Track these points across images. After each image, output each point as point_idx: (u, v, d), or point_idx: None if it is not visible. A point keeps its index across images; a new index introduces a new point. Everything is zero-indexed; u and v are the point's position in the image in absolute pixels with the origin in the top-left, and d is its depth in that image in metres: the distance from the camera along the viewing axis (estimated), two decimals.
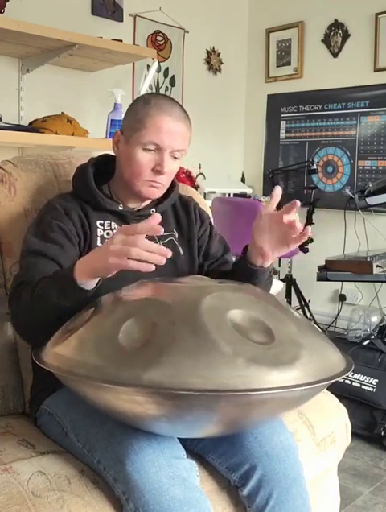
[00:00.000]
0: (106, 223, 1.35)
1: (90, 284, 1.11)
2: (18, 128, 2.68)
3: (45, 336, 1.10)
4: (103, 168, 1.40)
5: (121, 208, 1.36)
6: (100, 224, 1.34)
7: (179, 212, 1.47)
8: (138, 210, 1.39)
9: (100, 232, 1.34)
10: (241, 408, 0.92)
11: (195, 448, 1.20)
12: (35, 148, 2.80)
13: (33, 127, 2.77)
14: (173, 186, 1.43)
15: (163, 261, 1.01)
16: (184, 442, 1.12)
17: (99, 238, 1.33)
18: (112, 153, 1.44)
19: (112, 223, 1.36)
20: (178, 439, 1.10)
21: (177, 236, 1.44)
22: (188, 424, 0.98)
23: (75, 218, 1.31)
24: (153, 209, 1.40)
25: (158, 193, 1.36)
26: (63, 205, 1.32)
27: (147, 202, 1.41)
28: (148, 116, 1.27)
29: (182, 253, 1.42)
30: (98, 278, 1.11)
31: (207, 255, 1.47)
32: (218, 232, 1.55)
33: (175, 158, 1.32)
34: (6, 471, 1.06)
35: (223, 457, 1.17)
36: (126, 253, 0.99)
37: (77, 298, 1.11)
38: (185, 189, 1.75)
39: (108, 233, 1.34)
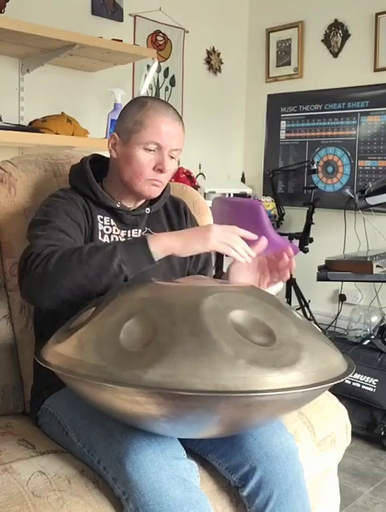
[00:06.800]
0: (106, 219, 1.38)
1: (156, 256, 1.15)
2: (18, 128, 2.67)
3: (65, 304, 1.16)
4: (94, 168, 1.42)
5: (118, 206, 1.39)
6: (101, 219, 1.37)
7: (171, 212, 1.51)
8: (133, 210, 1.42)
9: (100, 226, 1.36)
10: (241, 409, 0.92)
11: (194, 448, 1.20)
12: (35, 148, 2.79)
13: (33, 127, 2.77)
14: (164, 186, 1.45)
15: (250, 260, 1.23)
16: (184, 442, 1.12)
17: (100, 232, 1.36)
18: (101, 153, 1.48)
19: (111, 219, 1.39)
20: (178, 439, 1.10)
21: None
22: (188, 425, 0.97)
23: (81, 207, 1.35)
24: (148, 209, 1.43)
25: (158, 192, 1.39)
26: (68, 195, 1.35)
27: (141, 202, 1.44)
28: (146, 117, 1.31)
29: None
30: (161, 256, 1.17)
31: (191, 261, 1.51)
32: None
33: (172, 157, 1.36)
34: (6, 471, 1.06)
35: (223, 458, 1.17)
36: (233, 243, 1.19)
37: (140, 264, 1.14)
38: (185, 189, 1.75)
39: (107, 229, 1.37)
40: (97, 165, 1.43)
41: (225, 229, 1.21)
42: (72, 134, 2.82)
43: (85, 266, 1.12)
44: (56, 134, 2.73)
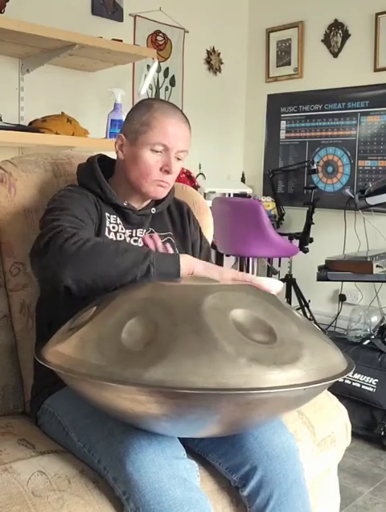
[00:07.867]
0: (113, 217, 1.39)
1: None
2: (18, 128, 2.67)
3: (80, 291, 1.14)
4: (100, 167, 1.42)
5: (125, 205, 1.39)
6: (108, 216, 1.38)
7: (174, 213, 1.52)
8: (139, 210, 1.43)
9: (107, 223, 1.37)
10: (242, 407, 0.92)
11: (195, 448, 1.20)
12: (35, 148, 2.79)
13: (33, 127, 2.77)
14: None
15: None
16: (184, 442, 1.12)
17: (107, 228, 1.36)
18: (106, 154, 1.48)
19: (118, 218, 1.39)
20: (179, 438, 1.10)
21: (172, 235, 1.48)
22: (189, 424, 0.97)
23: (92, 202, 1.35)
24: (153, 209, 1.44)
25: (164, 192, 1.40)
26: (79, 190, 1.36)
27: (147, 202, 1.44)
28: (153, 118, 1.32)
29: (177, 252, 1.44)
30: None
31: None
32: (207, 244, 1.59)
33: (179, 159, 1.36)
34: (6, 471, 1.06)
35: (224, 458, 1.17)
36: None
37: (167, 271, 1.14)
38: (185, 189, 1.75)
39: (114, 227, 1.38)
40: (103, 164, 1.43)
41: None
42: (72, 134, 2.82)
43: (119, 258, 1.13)
44: (56, 134, 2.74)
